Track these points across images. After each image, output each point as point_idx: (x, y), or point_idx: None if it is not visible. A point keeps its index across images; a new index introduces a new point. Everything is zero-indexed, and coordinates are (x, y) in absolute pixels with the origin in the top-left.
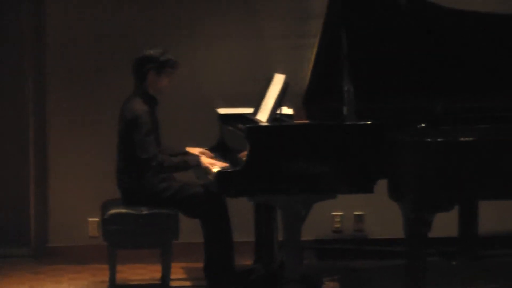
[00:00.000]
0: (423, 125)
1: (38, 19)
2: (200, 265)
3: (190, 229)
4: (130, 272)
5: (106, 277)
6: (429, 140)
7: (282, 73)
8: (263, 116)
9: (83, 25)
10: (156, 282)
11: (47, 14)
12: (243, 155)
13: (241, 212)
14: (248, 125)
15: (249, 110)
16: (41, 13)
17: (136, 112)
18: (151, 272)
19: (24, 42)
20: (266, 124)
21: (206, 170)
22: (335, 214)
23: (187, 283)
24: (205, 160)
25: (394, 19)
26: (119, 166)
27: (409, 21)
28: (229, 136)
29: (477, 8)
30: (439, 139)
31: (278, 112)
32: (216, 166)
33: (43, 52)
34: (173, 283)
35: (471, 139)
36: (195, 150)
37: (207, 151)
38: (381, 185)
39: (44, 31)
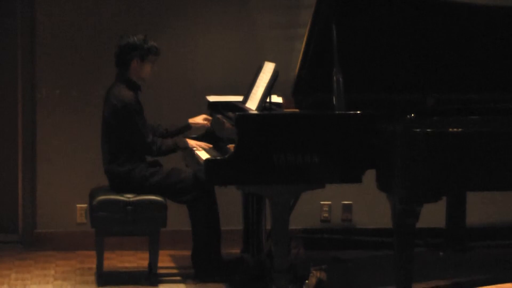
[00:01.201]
0: (412, 115)
1: (29, 8)
2: (188, 253)
3: (178, 217)
4: (118, 259)
5: (94, 263)
6: (418, 130)
7: (273, 62)
8: (252, 104)
9: (73, 14)
10: (144, 269)
11: (38, 4)
12: (232, 147)
13: (229, 200)
14: (237, 113)
15: (239, 98)
16: (32, 2)
17: (125, 99)
18: (139, 259)
19: (15, 31)
20: (256, 112)
21: (196, 158)
22: (323, 203)
23: (175, 271)
24: (192, 142)
25: (384, 10)
26: (106, 153)
27: (400, 12)
28: (219, 124)
29: (470, 0)
30: (428, 130)
31: (267, 100)
32: (202, 147)
33: (33, 41)
34: (160, 271)
35: (460, 130)
36: (198, 119)
37: (209, 117)
38: (369, 175)
39: (34, 21)
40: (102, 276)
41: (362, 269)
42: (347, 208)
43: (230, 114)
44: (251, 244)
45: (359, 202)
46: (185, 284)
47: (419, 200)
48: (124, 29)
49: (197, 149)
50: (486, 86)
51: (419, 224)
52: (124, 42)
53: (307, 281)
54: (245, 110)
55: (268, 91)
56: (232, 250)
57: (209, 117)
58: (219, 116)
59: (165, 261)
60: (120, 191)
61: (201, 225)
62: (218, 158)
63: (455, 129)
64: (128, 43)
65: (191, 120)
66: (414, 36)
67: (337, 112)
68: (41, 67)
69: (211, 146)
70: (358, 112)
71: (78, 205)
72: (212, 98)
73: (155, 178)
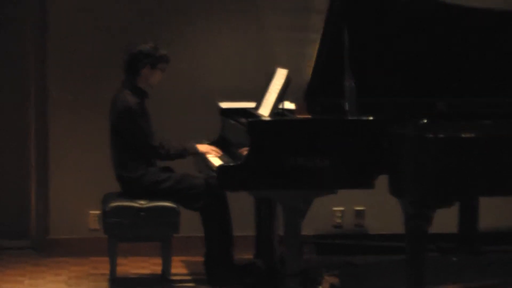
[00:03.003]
0: (424, 120)
1: (41, 12)
2: (201, 258)
3: (191, 223)
4: (131, 265)
5: (106, 269)
6: (430, 135)
7: (284, 67)
8: (265, 110)
9: (85, 19)
10: (157, 275)
11: (49, 6)
12: (243, 150)
13: (241, 206)
14: (250, 119)
15: (251, 105)
16: (44, 6)
17: (128, 103)
18: (152, 265)
19: (27, 35)
20: (268, 118)
21: (208, 164)
22: (335, 209)
23: (188, 277)
24: (202, 148)
25: (396, 15)
26: (116, 159)
27: (412, 17)
28: (231, 130)
29: (479, 5)
30: (440, 135)
31: (280, 106)
32: (211, 154)
33: (45, 44)
34: (173, 277)
35: (472, 135)
36: (203, 147)
37: (216, 149)
38: (382, 180)
39: (46, 25)
40: (115, 282)
41: (375, 274)
42: (360, 214)
43: (243, 120)
44: (264, 250)
45: (371, 208)
46: None
47: (431, 205)
48: (135, 35)
49: (209, 154)
50: (498, 90)
51: (431, 229)
52: (136, 49)
53: (319, 286)
54: (258, 116)
55: (281, 97)
56: (244, 255)
57: (218, 150)
58: (232, 122)
59: (178, 267)
60: (132, 197)
61: (213, 231)
62: (231, 164)
63: (467, 134)
64: (140, 51)
65: (198, 146)
66: (425, 40)
67: (349, 117)
68: (53, 71)
69: (221, 152)
70: (370, 117)
71: (90, 211)
72: (224, 105)
73: (167, 183)
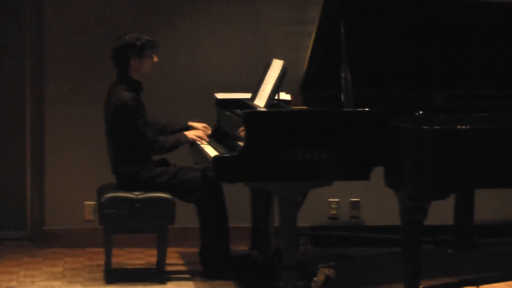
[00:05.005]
0: (421, 112)
1: (37, 6)
2: (196, 250)
3: (186, 214)
4: (126, 256)
5: (102, 260)
6: (426, 127)
7: (282, 59)
8: (261, 101)
9: (81, 12)
10: (152, 266)
11: (46, 1)
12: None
13: (237, 197)
14: (245, 110)
15: (247, 96)
16: (40, 1)
17: (124, 99)
18: (147, 256)
19: (24, 30)
20: (264, 109)
21: (204, 155)
22: (331, 200)
23: (183, 268)
24: (190, 134)
25: (393, 6)
26: (112, 154)
27: (409, 9)
28: (227, 122)
29: None
30: (436, 127)
31: (275, 97)
32: (202, 137)
33: (42, 39)
34: (168, 268)
35: (468, 127)
36: (198, 125)
37: (208, 127)
38: (378, 172)
39: (43, 18)
40: (111, 273)
41: (370, 266)
42: (355, 205)
43: (238, 111)
44: (259, 241)
45: (367, 199)
46: (193, 282)
47: (427, 197)
48: (132, 27)
49: (200, 142)
50: (495, 82)
51: (427, 221)
52: (118, 43)
53: (315, 278)
54: (253, 107)
55: (277, 88)
56: (240, 247)
57: (209, 127)
58: (228, 113)
59: (173, 258)
60: (128, 189)
61: (209, 222)
62: (227, 155)
63: (463, 126)
64: (123, 44)
65: (191, 124)
66: (422, 32)
67: (345, 109)
68: (49, 64)
69: (209, 128)
70: (366, 109)
71: (86, 202)
72: (220, 95)
73: (163, 177)
